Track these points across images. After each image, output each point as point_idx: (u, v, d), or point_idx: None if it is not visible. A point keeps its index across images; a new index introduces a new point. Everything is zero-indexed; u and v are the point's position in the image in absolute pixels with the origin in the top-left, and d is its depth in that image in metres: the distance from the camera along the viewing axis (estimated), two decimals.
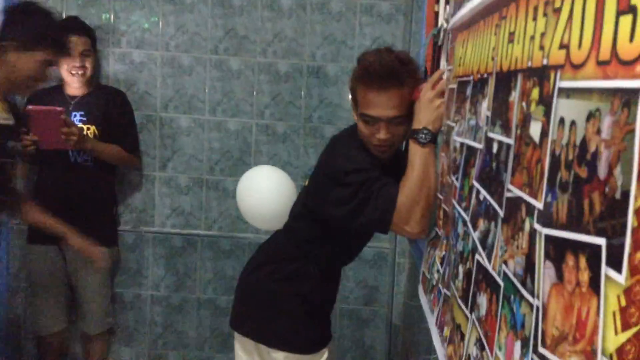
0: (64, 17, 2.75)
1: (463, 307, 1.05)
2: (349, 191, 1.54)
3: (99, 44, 2.85)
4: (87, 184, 2.65)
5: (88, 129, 2.61)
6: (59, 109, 2.39)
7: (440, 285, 1.36)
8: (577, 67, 0.63)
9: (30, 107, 2.42)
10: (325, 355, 1.86)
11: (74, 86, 2.64)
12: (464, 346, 1.04)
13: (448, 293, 1.25)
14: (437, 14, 2.00)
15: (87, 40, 2.63)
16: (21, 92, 2.10)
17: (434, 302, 1.43)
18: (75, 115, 2.62)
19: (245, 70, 2.87)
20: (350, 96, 1.70)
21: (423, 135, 1.51)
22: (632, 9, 0.52)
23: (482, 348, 0.90)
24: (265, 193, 2.32)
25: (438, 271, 1.41)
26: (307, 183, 1.84)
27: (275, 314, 1.82)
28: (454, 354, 1.12)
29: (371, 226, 1.61)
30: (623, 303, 0.50)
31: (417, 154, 1.51)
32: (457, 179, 1.15)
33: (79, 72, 2.60)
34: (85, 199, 2.64)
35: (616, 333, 0.50)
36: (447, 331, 1.23)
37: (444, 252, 1.37)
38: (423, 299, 1.60)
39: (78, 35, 2.58)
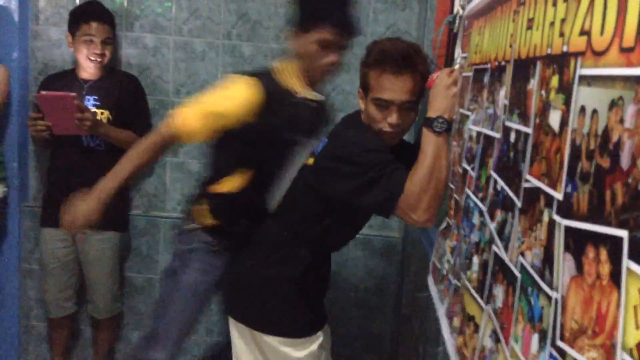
0: (85, 1, 2.73)
1: (478, 298, 1.04)
2: (361, 169, 1.53)
3: None
4: (100, 169, 2.64)
5: (102, 113, 2.61)
6: (71, 94, 2.38)
7: (450, 276, 1.35)
8: (599, 54, 0.62)
9: (42, 92, 2.42)
10: (320, 338, 1.86)
11: (89, 71, 2.63)
12: (478, 338, 1.03)
13: (458, 284, 1.24)
14: (452, 0, 1.97)
15: (110, 29, 2.61)
16: (317, 78, 1.93)
17: (444, 292, 1.42)
18: (89, 100, 2.61)
19: (258, 55, 2.85)
20: (360, 83, 1.71)
21: (438, 124, 1.49)
22: None
23: (497, 340, 0.89)
24: None
25: (448, 261, 1.40)
26: (311, 162, 1.81)
27: (268, 300, 1.82)
28: (465, 345, 1.11)
29: (375, 207, 1.59)
30: None
31: (430, 143, 1.50)
32: (473, 169, 1.14)
33: (98, 60, 2.59)
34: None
35: (637, 327, 0.49)
36: (457, 322, 1.23)
37: (454, 243, 1.36)
38: (433, 289, 1.59)
39: (101, 23, 2.56)
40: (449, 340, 1.26)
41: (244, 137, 1.87)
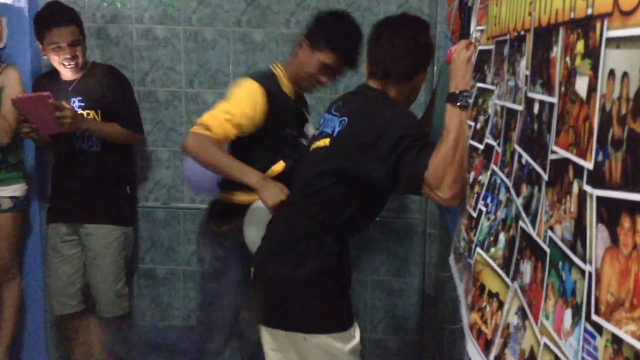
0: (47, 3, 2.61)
1: (503, 275, 1.02)
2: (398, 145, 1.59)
3: (122, 20, 2.83)
4: (95, 170, 2.61)
5: (88, 114, 2.56)
6: (44, 93, 2.36)
7: (466, 253, 1.34)
8: (626, 13, 0.59)
9: (17, 96, 2.41)
10: (356, 323, 1.82)
11: (68, 74, 2.58)
12: (502, 314, 1.01)
13: (470, 260, 1.22)
14: None
15: (75, 29, 2.51)
16: (303, 86, 2.22)
17: (462, 270, 1.41)
18: (74, 102, 2.56)
19: (269, 42, 2.83)
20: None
21: (463, 98, 1.48)
22: None
23: (524, 317, 0.87)
24: None
25: (464, 239, 1.39)
26: (324, 143, 1.77)
27: (308, 300, 1.75)
28: (484, 321, 1.09)
29: (405, 183, 1.61)
30: None
31: (455, 117, 1.49)
32: (498, 144, 1.11)
33: (71, 64, 2.52)
34: (95, 184, 2.62)
35: None
36: (470, 298, 1.21)
37: (467, 221, 1.34)
38: (454, 268, 1.57)
39: (63, 26, 2.46)
40: (465, 318, 1.24)
41: (254, 139, 2.06)
